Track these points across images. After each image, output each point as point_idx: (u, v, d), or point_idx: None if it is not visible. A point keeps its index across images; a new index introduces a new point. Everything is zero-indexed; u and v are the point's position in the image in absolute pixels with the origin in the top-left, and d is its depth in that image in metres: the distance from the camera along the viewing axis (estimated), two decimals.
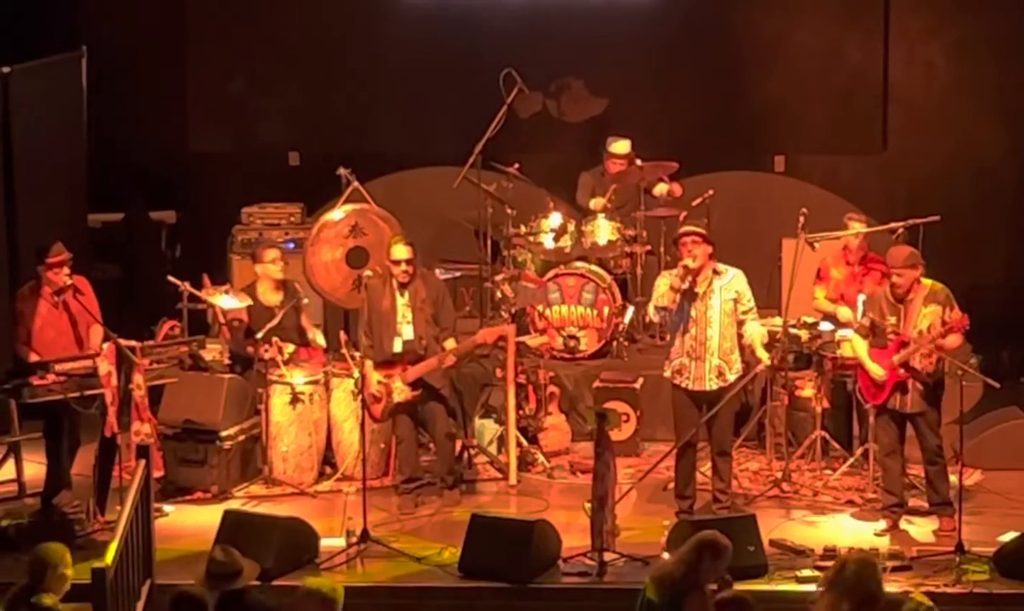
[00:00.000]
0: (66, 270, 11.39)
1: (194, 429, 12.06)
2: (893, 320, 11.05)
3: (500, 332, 12.21)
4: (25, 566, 8.85)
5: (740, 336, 11.42)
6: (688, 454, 11.40)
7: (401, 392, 11.83)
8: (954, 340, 11.02)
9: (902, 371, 10.99)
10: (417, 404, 11.92)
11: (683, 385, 11.29)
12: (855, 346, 11.33)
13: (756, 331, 11.35)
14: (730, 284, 11.27)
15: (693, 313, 11.18)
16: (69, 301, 11.50)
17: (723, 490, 11.42)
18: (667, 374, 11.38)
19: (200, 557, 10.52)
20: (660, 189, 14.02)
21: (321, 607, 8.25)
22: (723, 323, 11.23)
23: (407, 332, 11.94)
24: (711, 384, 11.23)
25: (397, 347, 11.92)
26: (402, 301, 11.96)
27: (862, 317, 11.60)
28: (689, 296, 11.16)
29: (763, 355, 11.33)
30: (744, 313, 11.32)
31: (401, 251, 11.91)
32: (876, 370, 11.09)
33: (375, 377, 11.80)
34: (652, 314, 11.59)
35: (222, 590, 8.74)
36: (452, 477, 12.01)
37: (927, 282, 11.09)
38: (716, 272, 11.26)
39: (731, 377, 11.26)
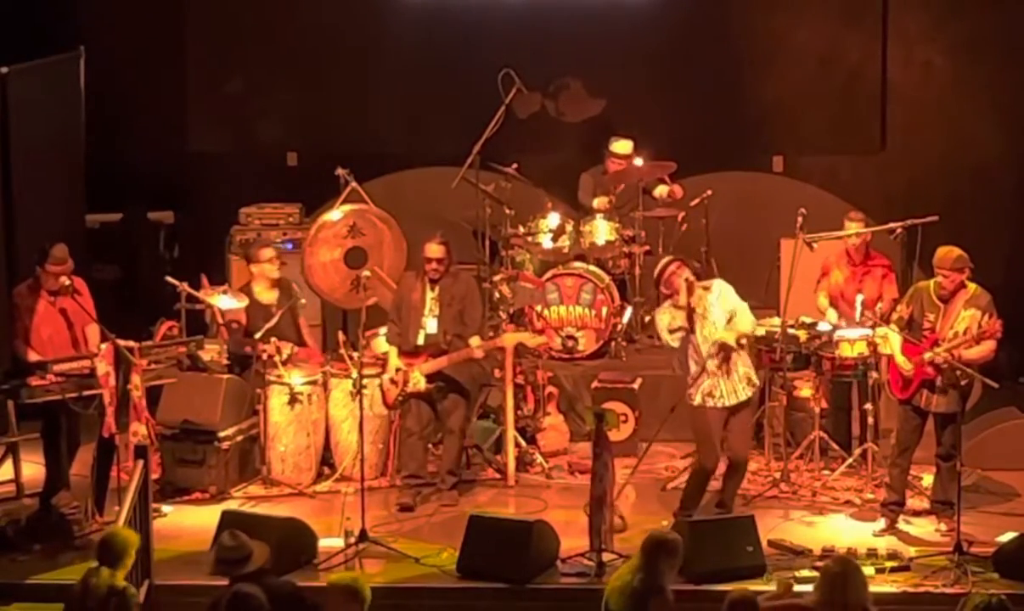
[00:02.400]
0: (64, 278, 11.37)
1: (192, 429, 12.06)
2: (931, 317, 11.06)
3: (521, 339, 12.28)
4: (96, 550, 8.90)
5: None
6: (704, 477, 11.30)
7: (416, 383, 11.89)
8: (986, 347, 11.01)
9: (930, 369, 11.00)
10: (435, 396, 11.96)
11: (717, 405, 11.14)
12: (890, 338, 11.32)
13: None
14: (721, 297, 11.24)
15: (701, 335, 11.11)
16: (66, 301, 11.48)
17: (726, 507, 11.36)
18: (697, 401, 11.15)
19: (199, 557, 10.59)
20: (660, 190, 14.02)
21: (349, 600, 8.27)
22: None
23: (431, 326, 12.10)
24: (744, 393, 11.17)
25: (420, 339, 12.04)
26: (431, 296, 12.13)
27: (860, 315, 11.65)
28: (699, 319, 11.10)
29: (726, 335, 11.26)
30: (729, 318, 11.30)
31: (433, 250, 12.09)
32: (904, 364, 11.09)
33: (395, 363, 11.89)
34: (671, 341, 11.22)
35: (233, 576, 8.72)
36: (452, 478, 12.01)
37: (972, 286, 11.09)
38: (706, 289, 11.24)
39: (756, 380, 11.28)
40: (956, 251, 11.08)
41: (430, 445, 12.28)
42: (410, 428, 12.05)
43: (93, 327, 11.49)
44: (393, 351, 12.02)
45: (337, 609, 8.35)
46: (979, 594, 7.97)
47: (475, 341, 12.01)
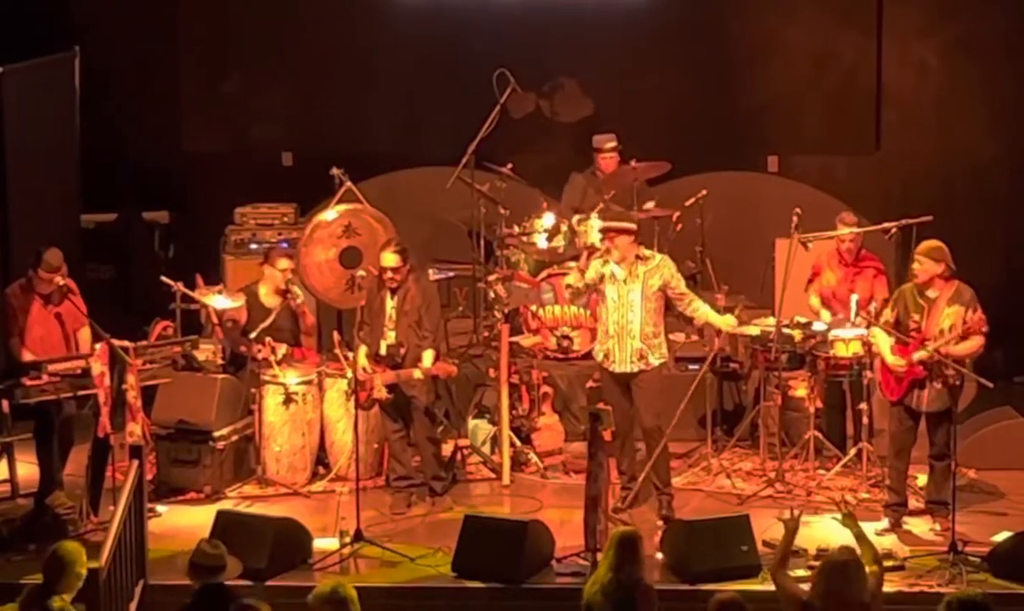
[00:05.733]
0: (59, 278, 11.36)
1: (187, 429, 12.06)
2: (917, 317, 11.05)
3: (449, 370, 12.06)
4: (41, 564, 8.78)
5: (691, 320, 11.83)
6: (628, 443, 11.54)
7: (380, 390, 11.79)
8: (973, 343, 11.01)
9: (920, 368, 11.00)
10: (400, 405, 11.91)
11: (610, 368, 11.41)
12: (878, 340, 11.33)
13: (705, 307, 11.52)
14: (655, 269, 11.33)
15: (616, 297, 11.29)
16: (59, 302, 11.47)
17: (665, 492, 11.47)
18: (599, 358, 11.49)
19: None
20: (649, 206, 13.97)
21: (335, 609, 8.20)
22: (645, 308, 11.30)
23: (391, 337, 11.92)
24: (632, 367, 11.33)
25: (382, 350, 11.91)
26: (390, 304, 11.95)
27: (855, 315, 11.66)
28: (613, 280, 11.29)
29: (724, 320, 11.56)
30: (680, 295, 11.39)
31: (389, 259, 11.87)
32: (896, 361, 11.09)
33: (364, 364, 11.74)
34: (565, 292, 11.79)
35: (204, 582, 8.74)
36: (440, 484, 11.98)
37: (954, 282, 11.07)
38: (640, 258, 11.34)
39: (653, 361, 11.34)
40: (937, 243, 11.09)
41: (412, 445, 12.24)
42: (388, 432, 12.02)
43: (85, 330, 11.49)
44: (363, 350, 11.77)
45: None
46: (963, 590, 7.94)
47: (427, 358, 11.80)
